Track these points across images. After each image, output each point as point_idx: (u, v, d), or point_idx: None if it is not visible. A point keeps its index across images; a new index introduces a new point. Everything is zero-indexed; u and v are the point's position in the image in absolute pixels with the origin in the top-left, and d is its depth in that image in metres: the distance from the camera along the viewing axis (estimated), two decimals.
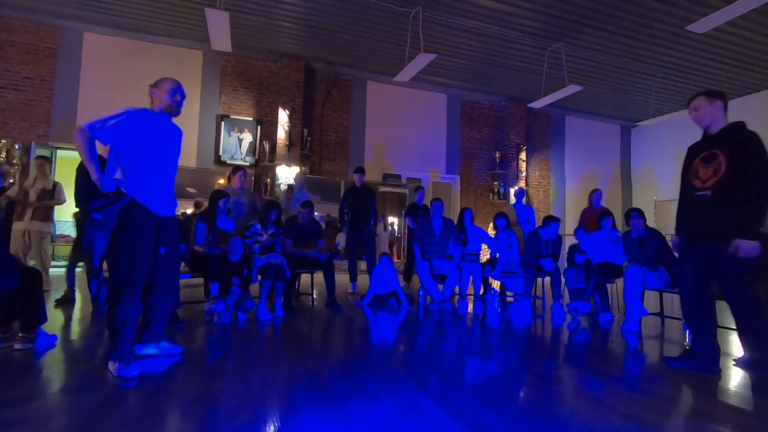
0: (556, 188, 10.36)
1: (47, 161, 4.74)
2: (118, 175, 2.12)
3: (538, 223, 5.33)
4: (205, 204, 6.30)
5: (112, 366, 2.10)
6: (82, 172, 3.55)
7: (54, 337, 2.63)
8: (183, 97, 2.37)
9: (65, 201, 4.81)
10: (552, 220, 4.78)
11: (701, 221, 2.44)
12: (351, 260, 5.64)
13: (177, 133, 2.35)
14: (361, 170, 5.80)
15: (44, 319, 2.60)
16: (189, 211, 6.04)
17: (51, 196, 4.60)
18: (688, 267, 2.57)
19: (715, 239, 2.38)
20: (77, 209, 3.76)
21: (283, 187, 7.23)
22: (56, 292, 4.50)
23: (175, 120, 2.41)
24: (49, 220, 4.66)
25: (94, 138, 2.01)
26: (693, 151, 2.56)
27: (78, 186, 3.56)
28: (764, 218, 2.28)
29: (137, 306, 2.17)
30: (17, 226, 4.54)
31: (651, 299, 5.13)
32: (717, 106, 2.46)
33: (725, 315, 4.60)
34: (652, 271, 3.87)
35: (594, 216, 5.38)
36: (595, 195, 5.76)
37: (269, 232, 4.20)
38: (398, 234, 8.83)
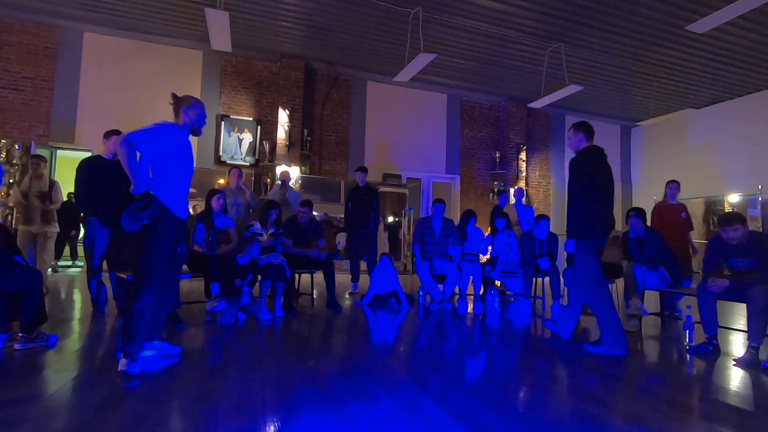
0: (556, 188, 10.35)
1: (42, 160, 4.71)
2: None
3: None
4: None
5: (120, 361, 2.13)
6: (83, 172, 3.54)
7: (54, 337, 2.64)
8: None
9: (62, 200, 4.79)
10: (542, 218, 4.84)
11: None
12: (353, 260, 5.63)
13: (191, 145, 2.58)
14: (363, 169, 5.70)
15: (44, 318, 2.61)
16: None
17: (49, 197, 4.58)
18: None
19: None
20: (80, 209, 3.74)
21: (278, 182, 7.20)
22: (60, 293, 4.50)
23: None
24: (53, 220, 4.63)
25: (136, 147, 2.17)
26: None
27: (78, 186, 3.55)
28: (579, 222, 2.89)
29: (153, 301, 2.28)
30: (25, 230, 4.49)
31: (651, 299, 5.13)
32: (579, 136, 3.11)
33: (728, 315, 4.63)
34: (652, 271, 3.87)
35: (671, 213, 4.80)
36: (669, 188, 4.94)
37: (269, 232, 4.20)
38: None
